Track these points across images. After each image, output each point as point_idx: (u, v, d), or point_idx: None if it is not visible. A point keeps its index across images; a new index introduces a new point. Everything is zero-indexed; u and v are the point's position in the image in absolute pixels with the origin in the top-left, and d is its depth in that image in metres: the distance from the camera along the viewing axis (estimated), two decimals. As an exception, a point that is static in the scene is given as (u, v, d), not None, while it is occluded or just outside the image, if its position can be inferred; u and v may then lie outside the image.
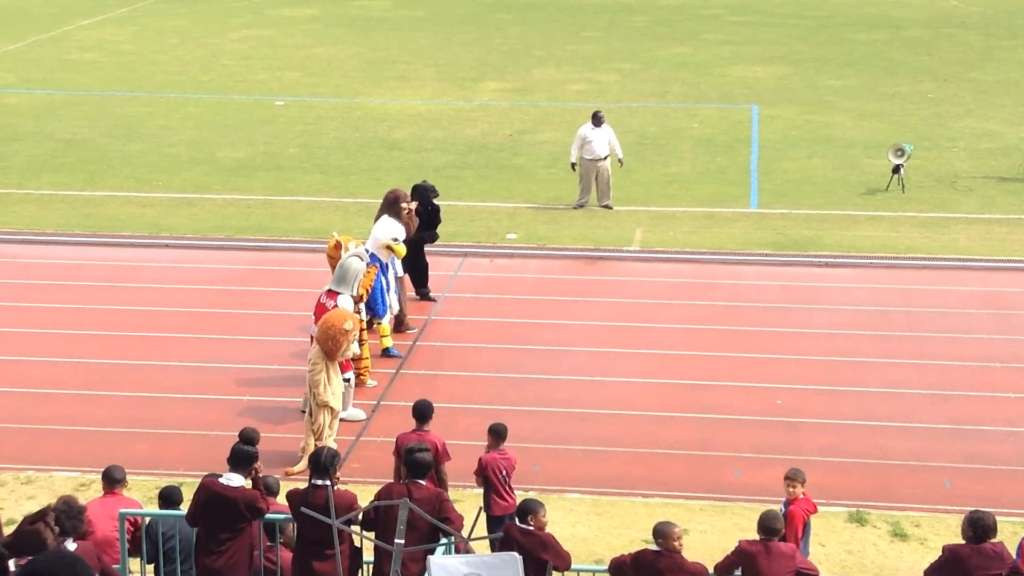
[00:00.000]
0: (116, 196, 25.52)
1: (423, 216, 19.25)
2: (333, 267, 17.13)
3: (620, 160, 24.70)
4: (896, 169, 25.06)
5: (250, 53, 39.73)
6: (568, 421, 16.48)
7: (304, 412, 15.33)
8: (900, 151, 25.22)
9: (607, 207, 24.47)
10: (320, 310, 15.82)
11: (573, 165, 24.61)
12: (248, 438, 11.49)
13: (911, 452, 15.54)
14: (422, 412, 13.11)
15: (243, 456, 11.04)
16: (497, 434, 12.96)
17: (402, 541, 9.00)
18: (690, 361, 18.08)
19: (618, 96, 33.45)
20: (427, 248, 19.80)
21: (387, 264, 17.89)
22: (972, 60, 37.80)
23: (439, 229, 19.89)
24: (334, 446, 13.50)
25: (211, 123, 31.12)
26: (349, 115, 31.85)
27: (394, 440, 13.15)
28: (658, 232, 23.35)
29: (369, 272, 16.99)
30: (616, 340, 18.81)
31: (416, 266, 19.50)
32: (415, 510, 9.75)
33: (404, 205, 18.47)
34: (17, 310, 20.09)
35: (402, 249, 18.02)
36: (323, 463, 10.99)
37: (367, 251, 17.27)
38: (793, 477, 12.13)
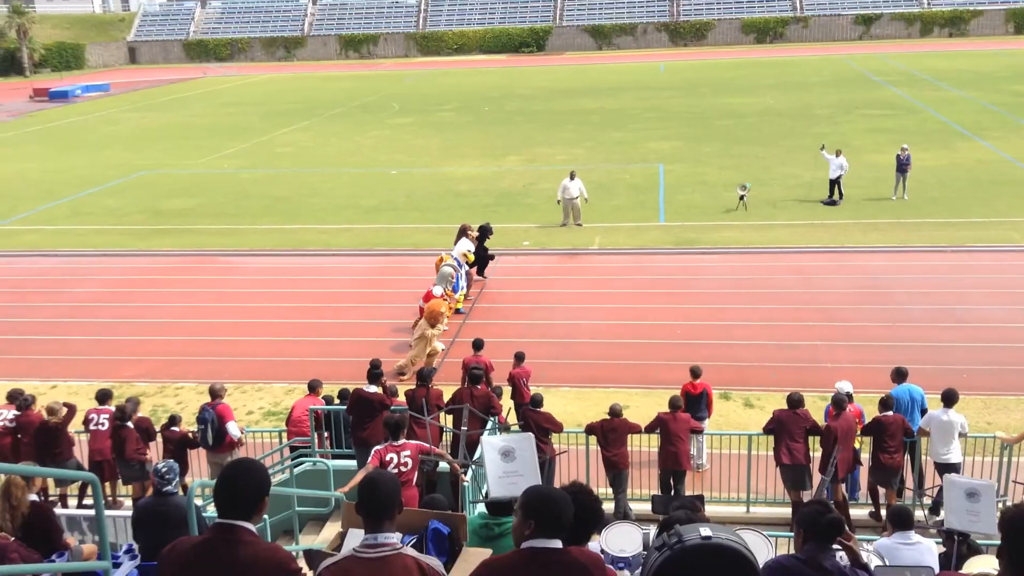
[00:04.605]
0: (306, 228, 25.49)
1: (480, 245, 19.37)
2: (436, 269, 17.78)
3: (585, 199, 24.54)
4: (741, 197, 24.85)
5: (377, 145, 39.44)
6: (564, 345, 16.35)
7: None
8: (743, 186, 25.00)
9: (579, 225, 24.26)
10: (428, 293, 16.29)
11: (558, 202, 24.49)
12: (375, 364, 11.36)
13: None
14: (477, 343, 13.06)
15: (374, 375, 11.05)
16: (519, 357, 12.80)
17: (465, 427, 9.01)
18: (630, 312, 17.93)
19: (584, 161, 33.15)
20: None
21: (462, 263, 18.16)
22: (783, 133, 37.22)
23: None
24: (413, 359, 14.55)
25: (356, 185, 31.01)
26: (433, 177, 31.68)
27: (461, 361, 13.11)
28: (609, 238, 23.18)
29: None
30: (588, 300, 18.72)
31: (481, 259, 19.58)
32: (472, 411, 9.73)
33: (469, 232, 18.81)
34: (252, 296, 20.03)
35: (472, 257, 18.48)
36: (425, 374, 11.03)
37: (453, 256, 17.62)
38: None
